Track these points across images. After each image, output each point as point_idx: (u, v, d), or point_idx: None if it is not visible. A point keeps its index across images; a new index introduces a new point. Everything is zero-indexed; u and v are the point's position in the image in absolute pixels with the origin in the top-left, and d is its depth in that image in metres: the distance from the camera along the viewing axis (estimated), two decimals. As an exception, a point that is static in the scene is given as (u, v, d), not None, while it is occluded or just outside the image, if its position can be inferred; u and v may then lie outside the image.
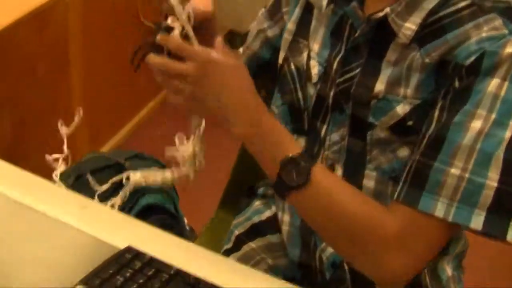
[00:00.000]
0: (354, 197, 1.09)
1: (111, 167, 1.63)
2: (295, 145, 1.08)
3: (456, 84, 1.04)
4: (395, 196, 1.05)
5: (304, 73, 1.25)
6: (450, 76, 1.05)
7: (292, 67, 1.27)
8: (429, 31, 1.08)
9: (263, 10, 1.36)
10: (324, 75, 1.20)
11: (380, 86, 1.12)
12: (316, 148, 1.23)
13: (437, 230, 1.04)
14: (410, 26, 1.08)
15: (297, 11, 1.27)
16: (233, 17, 2.91)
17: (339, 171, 1.20)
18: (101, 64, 2.59)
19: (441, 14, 1.07)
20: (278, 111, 1.30)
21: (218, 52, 1.03)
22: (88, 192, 1.50)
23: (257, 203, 1.45)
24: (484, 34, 1.02)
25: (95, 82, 2.56)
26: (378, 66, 1.12)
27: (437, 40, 1.06)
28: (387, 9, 1.09)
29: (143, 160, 1.64)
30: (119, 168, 1.62)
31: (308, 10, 1.26)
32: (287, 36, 1.28)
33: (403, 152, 1.13)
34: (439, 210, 1.01)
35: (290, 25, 1.28)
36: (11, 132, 2.15)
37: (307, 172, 1.05)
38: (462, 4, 1.06)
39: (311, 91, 1.22)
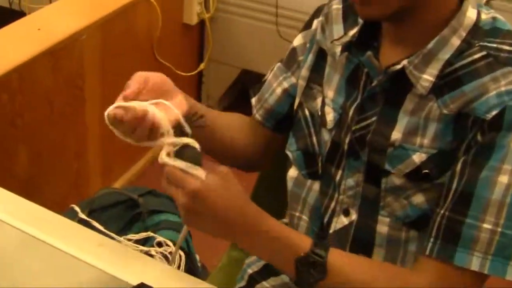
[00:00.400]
0: (374, 271, 1.13)
1: (124, 203, 1.65)
2: (303, 241, 1.10)
3: (479, 138, 1.06)
4: (427, 252, 1.08)
5: (318, 119, 1.27)
6: (470, 129, 1.07)
7: (307, 112, 1.30)
8: (446, 82, 1.10)
9: (278, 64, 1.37)
10: (340, 121, 1.22)
11: (397, 135, 1.14)
12: (331, 192, 1.25)
13: (471, 283, 1.07)
14: (427, 78, 1.10)
15: (311, 58, 1.30)
16: (245, 57, 2.94)
17: (353, 215, 1.21)
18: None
19: (456, 65, 1.09)
20: (292, 156, 1.32)
21: (207, 173, 1.04)
22: (102, 225, 1.52)
23: None
24: (503, 88, 1.04)
25: (110, 118, 2.58)
26: (395, 115, 1.14)
27: (455, 92, 1.08)
28: (405, 62, 1.11)
29: (156, 197, 1.66)
30: (133, 204, 1.64)
31: (321, 56, 1.28)
32: (301, 82, 1.31)
33: (418, 199, 1.14)
34: (475, 264, 1.05)
35: (304, 72, 1.30)
36: (27, 167, 2.17)
37: (324, 267, 1.08)
38: (478, 55, 1.08)
39: (326, 136, 1.24)
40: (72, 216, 1.54)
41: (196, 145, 1.06)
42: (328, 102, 1.24)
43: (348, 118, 1.20)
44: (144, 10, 2.59)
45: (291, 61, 1.34)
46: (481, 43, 1.09)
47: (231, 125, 1.38)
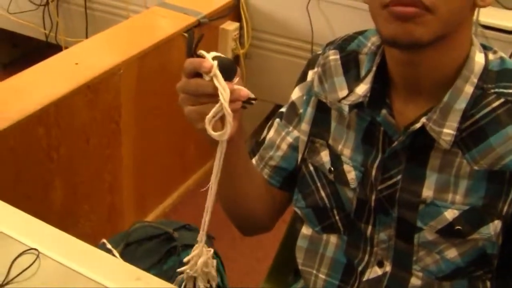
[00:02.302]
0: None
1: (159, 237, 1.65)
2: None
3: None
4: None
5: (322, 173, 1.25)
6: (508, 185, 1.09)
7: (311, 167, 1.28)
8: (469, 134, 1.10)
9: (277, 120, 1.34)
10: (363, 179, 1.20)
11: (427, 192, 1.13)
12: (362, 245, 1.24)
13: None
14: (448, 132, 1.10)
15: (310, 111, 1.28)
16: (278, 93, 2.94)
17: (388, 267, 1.21)
18: (152, 134, 2.63)
19: (477, 116, 1.09)
20: (302, 213, 1.30)
21: None
22: (136, 260, 1.52)
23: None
24: None
25: (145, 151, 2.60)
26: (422, 173, 1.14)
27: (481, 145, 1.09)
28: (424, 120, 1.10)
29: (190, 231, 1.66)
30: (168, 238, 1.64)
31: (323, 110, 1.26)
32: (302, 137, 1.29)
33: (451, 253, 1.15)
34: None
35: (304, 126, 1.28)
36: (62, 200, 2.19)
37: None
38: (496, 103, 1.09)
39: (349, 194, 1.22)
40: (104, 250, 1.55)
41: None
42: (346, 160, 1.22)
43: (371, 177, 1.19)
44: (179, 45, 2.62)
45: (291, 116, 1.32)
46: (496, 90, 1.10)
47: (252, 172, 1.33)
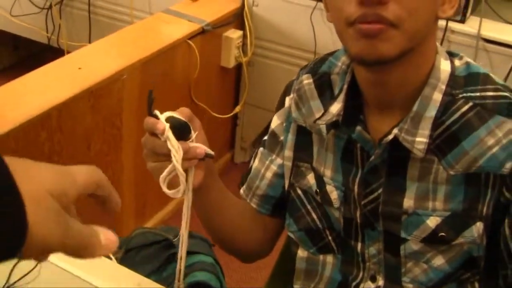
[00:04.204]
0: None
1: (160, 243, 1.65)
2: None
3: (507, 195, 1.09)
4: None
5: (312, 195, 1.27)
6: (487, 187, 1.10)
7: (299, 191, 1.29)
8: (442, 140, 1.11)
9: (261, 149, 1.35)
10: (345, 197, 1.21)
11: (408, 202, 1.15)
12: (355, 262, 1.25)
13: None
14: (421, 140, 1.10)
15: (290, 137, 1.28)
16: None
17: (380, 281, 1.23)
18: (152, 141, 2.63)
19: (448, 122, 1.11)
20: (295, 236, 1.31)
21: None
22: (136, 266, 1.52)
23: None
24: (504, 141, 1.08)
25: (145, 158, 2.60)
26: (403, 184, 1.15)
27: (455, 150, 1.10)
28: (395, 131, 1.11)
29: (191, 238, 1.66)
30: (167, 245, 1.64)
31: (304, 134, 1.27)
32: (287, 163, 1.30)
33: (438, 261, 1.16)
34: None
35: (287, 152, 1.29)
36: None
37: None
38: (465, 107, 1.10)
39: (336, 214, 1.24)
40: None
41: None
42: (328, 181, 1.23)
43: (354, 193, 1.20)
44: (183, 52, 2.63)
45: (273, 144, 1.33)
46: (464, 94, 1.11)
47: (235, 207, 1.35)
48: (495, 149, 1.08)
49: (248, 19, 2.90)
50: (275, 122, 1.32)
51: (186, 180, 1.08)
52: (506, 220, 1.10)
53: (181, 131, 1.05)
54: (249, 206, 1.35)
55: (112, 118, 2.34)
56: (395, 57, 1.03)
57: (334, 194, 1.23)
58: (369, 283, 1.24)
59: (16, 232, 0.58)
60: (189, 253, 1.63)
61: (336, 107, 1.18)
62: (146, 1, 3.14)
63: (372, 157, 1.15)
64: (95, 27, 3.34)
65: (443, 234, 1.14)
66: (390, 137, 1.11)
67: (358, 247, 1.23)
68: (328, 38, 2.76)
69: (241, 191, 1.37)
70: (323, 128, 1.21)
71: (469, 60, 1.17)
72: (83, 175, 0.68)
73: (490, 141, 1.08)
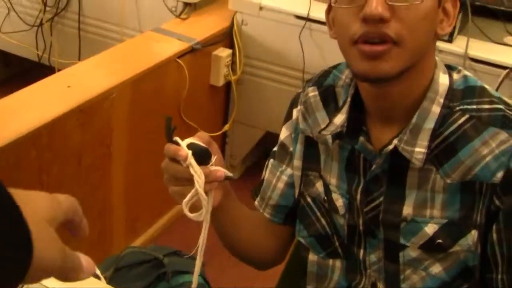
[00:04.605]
0: None
1: (150, 262, 1.65)
2: None
3: (497, 203, 1.14)
4: None
5: (321, 203, 1.32)
6: (480, 195, 1.14)
7: (308, 199, 1.34)
8: (440, 151, 1.16)
9: (271, 160, 1.40)
10: (350, 205, 1.26)
11: (407, 210, 1.19)
12: (358, 268, 1.29)
13: None
14: (419, 150, 1.15)
15: (299, 148, 1.34)
16: (269, 120, 2.96)
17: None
18: (143, 158, 2.63)
19: (445, 134, 1.16)
20: (306, 242, 1.36)
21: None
22: (126, 285, 1.53)
23: None
24: (496, 151, 1.13)
25: (136, 175, 2.61)
26: (402, 193, 1.19)
27: (452, 159, 1.15)
28: (395, 141, 1.16)
29: (181, 258, 1.67)
30: (157, 264, 1.65)
31: (311, 144, 1.32)
32: (296, 173, 1.35)
33: (435, 269, 1.20)
34: None
35: (296, 162, 1.34)
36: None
37: None
38: (462, 119, 1.16)
39: (341, 221, 1.29)
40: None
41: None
42: (334, 189, 1.28)
43: (357, 202, 1.24)
44: (172, 71, 2.64)
45: (282, 155, 1.37)
46: (461, 107, 1.16)
47: (250, 220, 1.40)
48: (488, 159, 1.13)
49: (237, 38, 2.92)
50: (284, 133, 1.37)
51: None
52: (494, 226, 1.15)
53: (201, 156, 1.10)
54: (262, 216, 1.40)
55: (102, 136, 2.34)
56: (397, 75, 1.10)
57: (339, 202, 1.28)
58: None
59: (22, 258, 0.61)
60: (179, 272, 1.64)
61: (340, 119, 1.24)
62: (136, 19, 3.16)
63: (374, 167, 1.20)
64: (85, 44, 3.35)
65: (440, 241, 1.18)
66: (390, 147, 1.16)
67: (360, 254, 1.28)
68: (316, 57, 2.78)
69: (256, 202, 1.42)
70: (329, 138, 1.27)
71: (466, 73, 1.22)
72: (65, 201, 0.72)
73: (484, 151, 1.13)
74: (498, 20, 2.67)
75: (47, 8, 3.39)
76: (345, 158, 1.26)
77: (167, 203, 2.97)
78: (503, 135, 1.13)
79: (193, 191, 1.09)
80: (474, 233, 1.17)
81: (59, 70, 3.11)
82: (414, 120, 1.16)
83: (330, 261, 1.34)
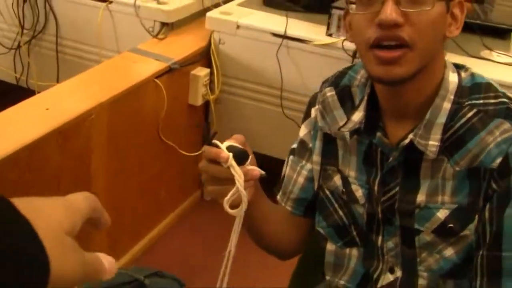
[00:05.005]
0: None
1: (130, 284, 1.65)
2: None
3: (494, 186, 1.24)
4: None
5: (339, 195, 1.43)
6: (483, 180, 1.25)
7: (327, 192, 1.46)
8: (451, 143, 1.28)
9: (291, 157, 1.52)
10: (369, 195, 1.38)
11: (421, 197, 1.31)
12: (375, 255, 1.41)
13: None
14: (433, 143, 1.27)
15: (318, 144, 1.45)
16: (248, 138, 2.96)
17: (398, 272, 1.38)
18: (123, 178, 2.64)
19: (456, 127, 1.28)
20: (324, 232, 1.48)
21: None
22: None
23: None
24: (499, 138, 1.24)
25: (116, 196, 2.61)
26: (417, 182, 1.31)
27: (461, 150, 1.27)
28: (411, 136, 1.28)
29: (162, 278, 1.67)
30: (138, 285, 1.64)
31: (329, 141, 1.44)
32: (315, 167, 1.46)
33: (448, 252, 1.32)
34: None
35: (316, 158, 1.46)
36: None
37: None
38: (470, 114, 1.27)
39: (360, 210, 1.40)
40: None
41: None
42: (353, 181, 1.40)
43: (375, 192, 1.36)
44: (150, 91, 2.65)
45: (302, 151, 1.49)
46: (469, 102, 1.28)
47: (275, 214, 1.50)
48: (491, 146, 1.24)
49: (215, 57, 2.94)
50: (303, 131, 1.50)
51: None
52: (488, 205, 1.25)
53: (240, 158, 1.19)
54: (284, 210, 1.52)
55: (81, 158, 2.34)
56: (410, 77, 1.23)
57: (359, 192, 1.39)
58: (388, 274, 1.40)
59: (39, 275, 0.60)
60: (160, 292, 1.64)
61: (357, 116, 1.36)
62: (113, 40, 3.17)
63: (390, 159, 1.32)
64: (63, 66, 3.35)
65: (451, 225, 1.29)
66: (406, 141, 1.28)
67: (378, 241, 1.39)
68: (294, 74, 2.80)
69: (278, 197, 1.54)
70: (347, 134, 1.39)
71: (473, 71, 1.34)
72: (83, 203, 0.71)
73: (489, 139, 1.24)
74: (474, 34, 2.70)
75: (25, 31, 3.40)
76: (363, 152, 1.38)
77: (148, 223, 2.97)
78: (506, 125, 1.24)
79: (234, 189, 1.18)
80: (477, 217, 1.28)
81: (37, 92, 3.10)
82: (427, 116, 1.27)
83: (347, 250, 1.45)
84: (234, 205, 1.21)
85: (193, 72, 2.90)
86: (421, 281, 1.36)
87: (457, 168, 1.27)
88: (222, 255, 1.27)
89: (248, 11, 3.00)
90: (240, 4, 3.09)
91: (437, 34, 1.25)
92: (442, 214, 1.30)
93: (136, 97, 2.58)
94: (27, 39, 3.41)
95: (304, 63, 2.77)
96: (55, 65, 3.36)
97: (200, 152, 3.10)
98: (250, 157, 1.22)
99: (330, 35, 2.69)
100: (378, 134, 1.33)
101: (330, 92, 1.44)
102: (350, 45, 2.60)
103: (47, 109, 2.25)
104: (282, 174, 1.54)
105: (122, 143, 2.57)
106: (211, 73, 2.97)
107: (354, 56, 2.57)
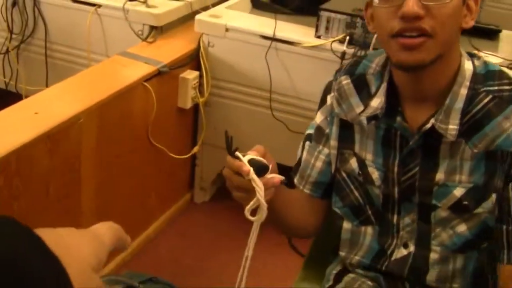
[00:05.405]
0: None
1: (124, 289, 1.64)
2: None
3: None
4: (505, 261, 1.37)
5: (355, 177, 1.53)
6: (501, 162, 1.37)
7: (343, 174, 1.56)
8: (469, 126, 1.38)
9: (307, 142, 1.61)
10: (385, 177, 1.48)
11: (440, 176, 1.42)
12: (390, 232, 1.52)
13: None
14: (453, 127, 1.38)
15: (335, 130, 1.55)
16: (238, 140, 2.96)
17: (411, 247, 1.50)
18: (113, 183, 2.63)
19: (473, 112, 1.38)
20: (341, 212, 1.59)
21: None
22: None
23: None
24: None
25: (105, 200, 2.60)
26: (436, 162, 1.42)
27: (479, 133, 1.38)
28: (432, 120, 1.39)
29: (157, 284, 1.66)
30: (132, 291, 1.63)
31: (346, 126, 1.53)
32: (333, 152, 1.56)
33: (461, 228, 1.44)
34: None
35: (333, 142, 1.56)
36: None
37: None
38: (486, 99, 1.38)
39: (376, 191, 1.51)
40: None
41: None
42: (369, 163, 1.51)
43: (393, 173, 1.47)
44: (140, 94, 2.64)
45: (319, 137, 1.59)
46: (485, 89, 1.39)
47: (293, 199, 1.59)
48: (509, 131, 1.36)
49: (204, 60, 2.94)
50: (319, 117, 1.58)
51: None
52: (510, 184, 1.37)
53: (260, 170, 1.27)
54: (303, 193, 1.61)
55: (70, 162, 2.34)
56: (430, 63, 1.31)
57: (375, 175, 1.50)
58: (402, 249, 1.51)
59: None
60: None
61: (376, 102, 1.46)
62: (103, 44, 3.16)
63: (411, 142, 1.42)
64: (52, 71, 3.35)
65: (466, 203, 1.42)
66: (428, 126, 1.38)
67: (394, 219, 1.51)
68: (283, 76, 2.81)
69: (295, 181, 1.63)
70: (364, 120, 1.48)
71: (485, 59, 1.45)
72: (107, 235, 0.71)
73: (506, 124, 1.36)
74: (463, 35, 2.70)
75: (13, 36, 3.39)
76: (381, 136, 1.47)
77: (138, 227, 2.96)
78: None
79: (254, 200, 1.27)
80: (494, 197, 1.40)
81: (26, 97, 3.09)
82: (447, 102, 1.37)
83: (363, 228, 1.56)
84: (254, 210, 1.31)
85: (182, 75, 2.90)
86: (433, 255, 1.48)
87: (475, 150, 1.38)
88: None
89: (237, 14, 3.01)
90: (229, 7, 3.09)
91: (455, 25, 1.34)
92: (458, 192, 1.41)
93: (125, 100, 2.58)
94: (16, 43, 3.40)
95: (293, 65, 2.77)
96: (44, 69, 3.35)
97: (190, 155, 3.11)
98: (271, 166, 1.29)
99: (319, 37, 2.69)
100: (398, 119, 1.42)
101: (345, 80, 1.52)
102: (339, 47, 2.61)
103: (36, 113, 2.24)
104: (298, 158, 1.63)
105: (112, 147, 2.56)
106: (201, 76, 2.97)
107: (342, 57, 2.57)
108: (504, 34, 2.86)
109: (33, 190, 2.18)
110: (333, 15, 2.64)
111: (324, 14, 2.66)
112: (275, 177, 1.31)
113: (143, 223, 3.00)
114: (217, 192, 3.32)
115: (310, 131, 1.61)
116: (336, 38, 2.63)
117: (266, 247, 2.79)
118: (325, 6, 2.70)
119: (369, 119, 1.47)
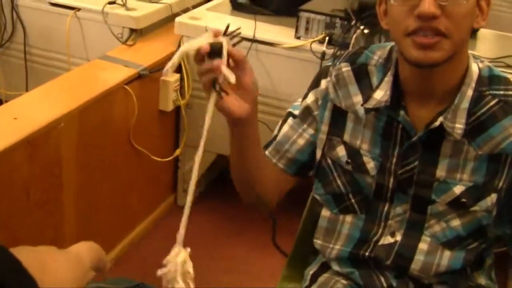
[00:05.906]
0: None
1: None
2: None
3: None
4: None
5: (338, 165, 1.54)
6: (504, 164, 1.42)
7: (329, 161, 1.56)
8: (473, 127, 1.42)
9: (291, 118, 1.60)
10: (381, 167, 1.50)
11: (440, 173, 1.45)
12: (377, 220, 1.54)
13: None
14: (459, 126, 1.41)
15: (327, 115, 1.54)
16: (220, 142, 2.95)
17: (398, 236, 1.53)
18: (94, 187, 2.62)
19: (478, 113, 1.42)
20: (322, 199, 1.60)
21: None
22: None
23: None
24: None
25: (87, 205, 2.59)
26: (436, 159, 1.45)
27: (483, 135, 1.42)
28: (441, 119, 1.41)
29: (143, 291, 1.65)
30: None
31: (339, 113, 1.53)
32: (322, 136, 1.56)
33: (455, 222, 1.48)
34: None
35: (324, 127, 1.55)
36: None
37: None
38: (492, 102, 1.42)
39: (369, 180, 1.52)
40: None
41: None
42: (365, 153, 1.51)
43: (390, 165, 1.48)
44: (120, 97, 2.63)
45: (306, 116, 1.58)
46: (490, 92, 1.43)
47: (262, 163, 1.55)
48: None
49: (184, 62, 2.93)
50: (311, 98, 1.57)
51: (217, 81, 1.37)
52: None
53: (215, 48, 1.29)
54: (276, 166, 1.60)
55: (51, 167, 2.32)
56: (443, 62, 1.33)
57: (371, 164, 1.51)
58: (388, 237, 1.54)
59: None
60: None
61: (379, 94, 1.47)
62: (83, 47, 3.14)
63: (415, 137, 1.44)
64: (32, 75, 3.32)
65: (464, 200, 1.45)
66: (437, 123, 1.41)
67: (385, 207, 1.52)
68: (263, 77, 2.80)
69: (267, 153, 1.61)
70: (361, 110, 1.49)
71: (488, 63, 1.48)
72: (88, 255, 0.69)
73: (511, 128, 1.40)
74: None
75: (-8, 40, 3.36)
76: (381, 128, 1.48)
77: (121, 231, 2.95)
78: None
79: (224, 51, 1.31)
80: (493, 196, 1.45)
81: (6, 101, 3.07)
82: (456, 101, 1.40)
83: (341, 217, 1.57)
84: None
85: (163, 78, 2.89)
86: (422, 245, 1.51)
87: (480, 152, 1.42)
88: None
89: (217, 16, 3.00)
90: (209, 9, 3.09)
91: (469, 25, 1.35)
92: (458, 189, 1.45)
93: (106, 104, 2.56)
94: (-5, 48, 3.37)
95: (273, 66, 2.77)
96: (24, 74, 3.32)
97: (172, 157, 3.10)
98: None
99: (299, 37, 2.69)
100: (402, 113, 1.44)
101: (346, 68, 1.53)
102: (318, 47, 2.61)
103: (15, 118, 2.23)
104: (273, 135, 1.62)
105: (93, 151, 2.55)
106: (181, 79, 2.96)
107: (322, 58, 2.57)
108: (481, 32, 2.87)
109: (13, 195, 2.16)
110: (312, 15, 2.65)
111: (303, 15, 2.66)
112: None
113: (126, 227, 2.98)
114: (200, 195, 3.31)
115: (295, 110, 1.60)
116: (316, 39, 2.63)
117: (252, 248, 2.80)
118: (304, 7, 2.70)
119: (369, 109, 1.48)
